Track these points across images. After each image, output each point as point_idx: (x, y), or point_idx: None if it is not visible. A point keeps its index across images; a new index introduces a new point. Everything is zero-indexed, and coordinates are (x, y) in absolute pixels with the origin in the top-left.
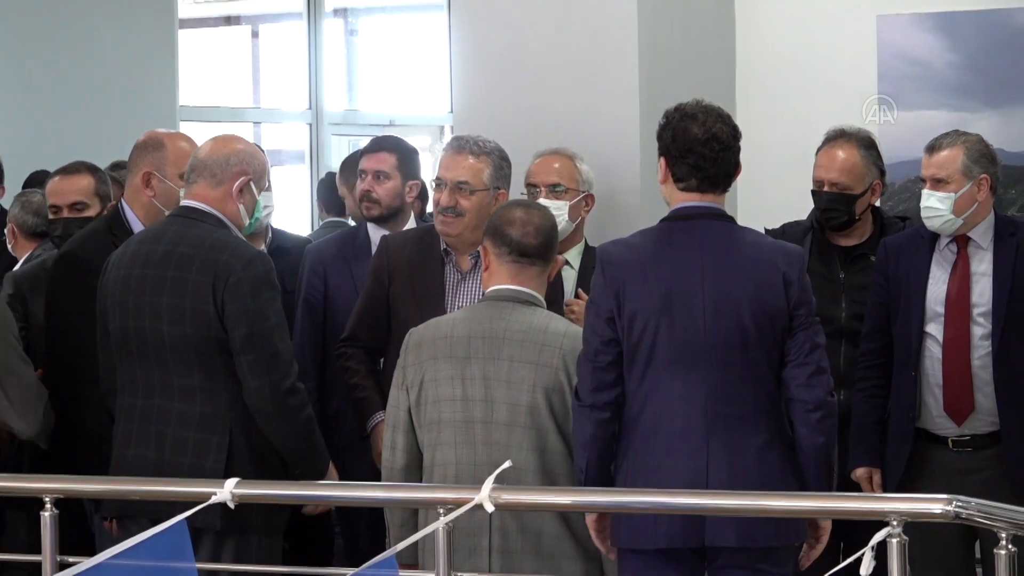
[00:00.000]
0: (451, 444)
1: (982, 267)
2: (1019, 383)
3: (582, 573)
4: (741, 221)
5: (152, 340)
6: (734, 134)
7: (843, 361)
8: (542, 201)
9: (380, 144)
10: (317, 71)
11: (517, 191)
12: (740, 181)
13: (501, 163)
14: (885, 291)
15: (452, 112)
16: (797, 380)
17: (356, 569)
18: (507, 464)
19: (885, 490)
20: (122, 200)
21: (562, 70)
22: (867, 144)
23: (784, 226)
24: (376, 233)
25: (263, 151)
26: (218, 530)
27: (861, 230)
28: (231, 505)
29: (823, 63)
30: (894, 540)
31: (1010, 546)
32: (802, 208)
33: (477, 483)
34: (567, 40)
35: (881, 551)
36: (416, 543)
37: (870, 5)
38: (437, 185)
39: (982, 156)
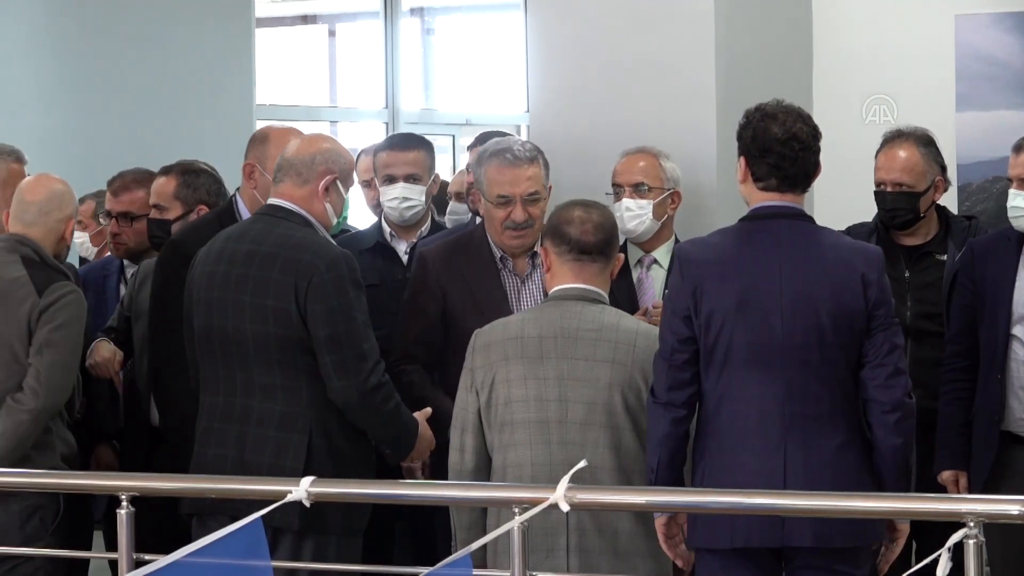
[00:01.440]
0: (526, 444)
1: None
2: None
3: (657, 571)
4: (817, 222)
5: (234, 338)
6: (814, 134)
7: (910, 360)
8: (626, 201)
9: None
10: (393, 70)
11: (588, 190)
12: (816, 182)
13: (545, 159)
14: (971, 293)
15: (528, 111)
16: (875, 381)
17: (430, 568)
18: (582, 463)
19: (970, 492)
20: (236, 192)
21: (638, 69)
22: (925, 142)
23: (849, 228)
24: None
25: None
26: (297, 530)
27: (926, 229)
28: (306, 504)
29: (901, 62)
30: (971, 541)
31: None
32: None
33: (552, 483)
34: (643, 39)
35: (958, 553)
36: (485, 545)
37: (948, 5)
38: (504, 203)
39: None
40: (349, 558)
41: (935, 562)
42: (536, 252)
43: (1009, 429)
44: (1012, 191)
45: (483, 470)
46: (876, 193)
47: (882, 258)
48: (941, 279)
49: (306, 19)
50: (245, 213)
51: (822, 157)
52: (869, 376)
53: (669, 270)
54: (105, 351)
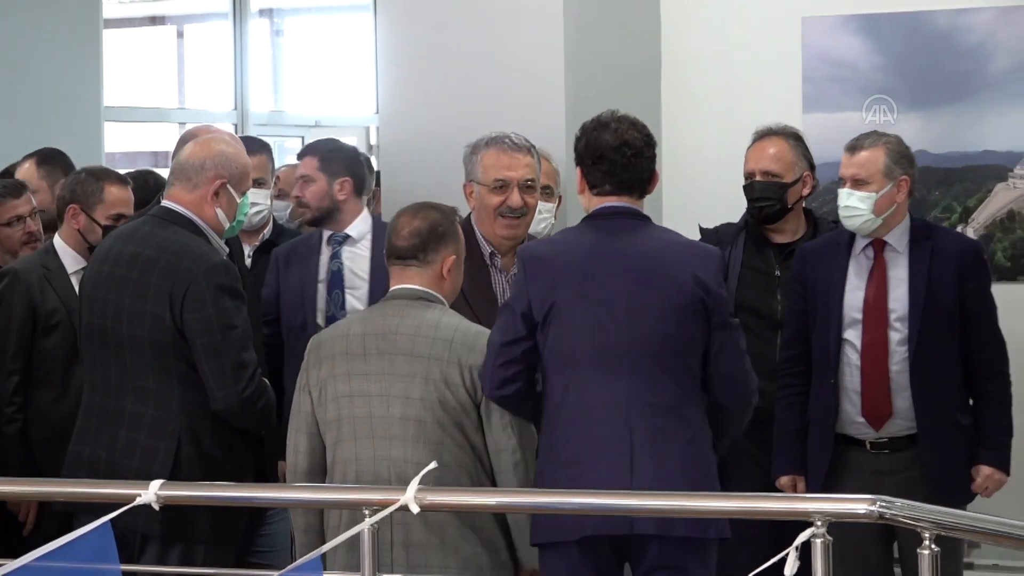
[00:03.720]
0: (351, 441)
1: (898, 272)
2: (935, 387)
3: (485, 565)
4: (665, 222)
5: (113, 339)
6: (646, 141)
7: (779, 353)
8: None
9: (303, 151)
10: (243, 72)
11: (437, 192)
12: (665, 182)
13: (538, 156)
14: (803, 298)
15: (378, 113)
16: (715, 380)
17: (281, 571)
18: (432, 465)
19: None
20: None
21: (488, 71)
22: (795, 136)
23: (719, 227)
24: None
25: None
26: (160, 536)
27: (794, 226)
28: (155, 507)
29: (748, 64)
30: (818, 540)
31: (933, 546)
32: (726, 207)
33: (380, 479)
34: (492, 41)
35: (806, 552)
36: (317, 544)
37: (795, 7)
38: (500, 187)
39: (903, 157)
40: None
41: (783, 561)
42: None
43: (844, 432)
44: (844, 191)
45: (317, 471)
46: (745, 186)
47: (720, 257)
48: None
49: (154, 20)
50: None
51: (669, 158)
52: (710, 374)
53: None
54: None
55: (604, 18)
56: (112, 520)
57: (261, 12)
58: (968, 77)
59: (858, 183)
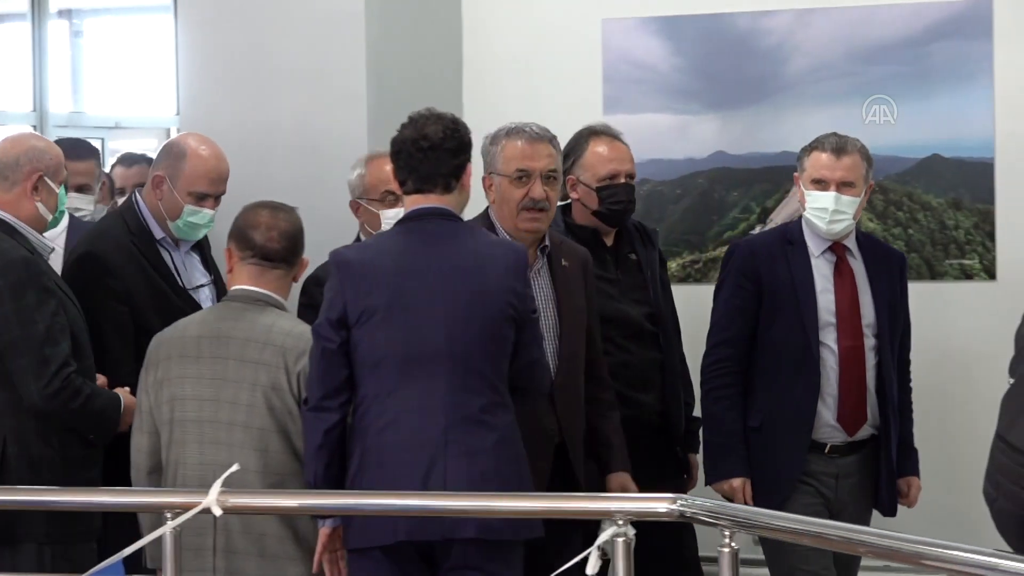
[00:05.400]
0: (182, 443)
1: (861, 279)
2: (890, 391)
3: (305, 575)
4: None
5: None
6: (448, 134)
7: (638, 361)
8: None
9: (135, 158)
10: (41, 72)
11: (239, 193)
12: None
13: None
14: (754, 296)
15: (179, 114)
16: (519, 371)
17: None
18: (235, 467)
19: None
20: (137, 192)
21: (289, 72)
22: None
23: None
24: None
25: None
26: None
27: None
28: None
29: (549, 66)
30: (620, 539)
31: (733, 543)
32: None
33: (205, 483)
34: (294, 42)
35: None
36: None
37: (595, 9)
38: (522, 177)
39: (871, 161)
40: (66, 566)
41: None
42: (546, 245)
43: (815, 437)
44: (830, 194)
45: (159, 470)
46: (606, 188)
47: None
48: (645, 280)
49: None
50: (148, 217)
51: (475, 158)
52: (515, 369)
53: None
54: None
55: (406, 20)
56: None
57: (60, 13)
58: (766, 79)
59: (845, 186)
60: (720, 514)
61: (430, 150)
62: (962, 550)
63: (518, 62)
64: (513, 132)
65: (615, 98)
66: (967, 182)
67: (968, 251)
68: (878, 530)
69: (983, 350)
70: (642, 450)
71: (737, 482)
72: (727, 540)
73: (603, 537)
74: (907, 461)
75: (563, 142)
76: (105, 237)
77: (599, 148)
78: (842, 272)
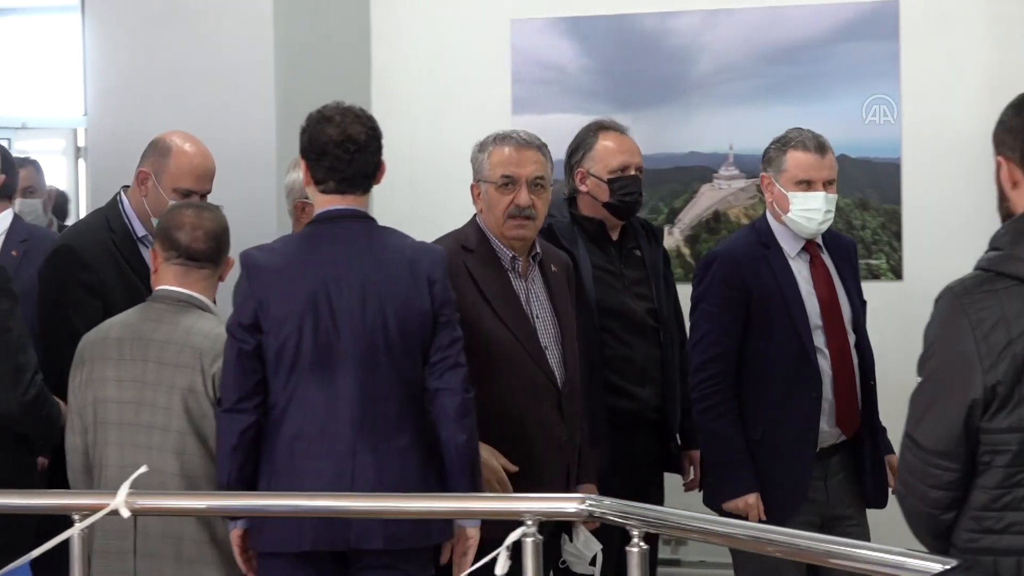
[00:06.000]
0: (104, 445)
1: (834, 276)
2: (867, 387)
3: None
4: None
5: None
6: (371, 135)
7: (639, 357)
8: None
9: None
10: None
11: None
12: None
13: (549, 155)
14: (740, 306)
15: (86, 114)
16: (435, 373)
17: None
18: (143, 469)
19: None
20: (122, 191)
21: (197, 71)
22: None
23: (550, 222)
24: None
25: None
26: None
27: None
28: None
29: (458, 67)
30: (529, 540)
31: (642, 544)
32: (439, 209)
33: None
34: (202, 40)
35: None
36: None
37: (504, 9)
38: (508, 183)
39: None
40: None
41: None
42: (537, 252)
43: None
44: (820, 194)
45: (91, 471)
46: (618, 180)
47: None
48: (647, 274)
49: None
50: (132, 215)
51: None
52: (429, 370)
53: None
54: None
55: (314, 20)
56: None
57: None
58: (674, 79)
59: (829, 184)
60: (630, 514)
61: (357, 152)
62: (871, 549)
63: (427, 63)
64: (500, 138)
65: (524, 99)
66: (874, 183)
67: (875, 251)
68: (787, 529)
69: (891, 349)
70: (637, 444)
71: (752, 498)
72: (636, 540)
73: (512, 537)
74: (885, 442)
75: (470, 146)
76: (84, 232)
77: (609, 141)
78: (818, 271)
